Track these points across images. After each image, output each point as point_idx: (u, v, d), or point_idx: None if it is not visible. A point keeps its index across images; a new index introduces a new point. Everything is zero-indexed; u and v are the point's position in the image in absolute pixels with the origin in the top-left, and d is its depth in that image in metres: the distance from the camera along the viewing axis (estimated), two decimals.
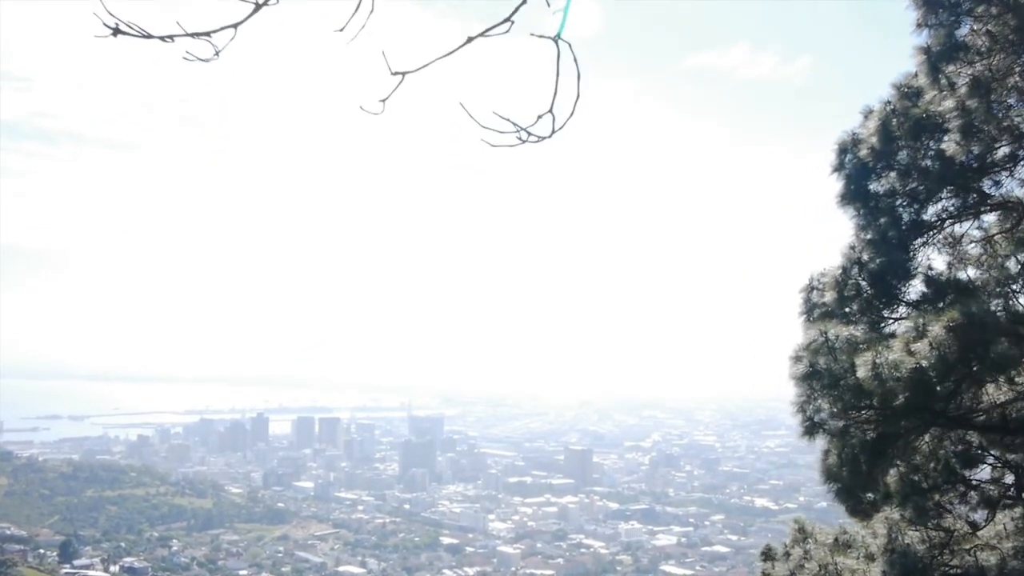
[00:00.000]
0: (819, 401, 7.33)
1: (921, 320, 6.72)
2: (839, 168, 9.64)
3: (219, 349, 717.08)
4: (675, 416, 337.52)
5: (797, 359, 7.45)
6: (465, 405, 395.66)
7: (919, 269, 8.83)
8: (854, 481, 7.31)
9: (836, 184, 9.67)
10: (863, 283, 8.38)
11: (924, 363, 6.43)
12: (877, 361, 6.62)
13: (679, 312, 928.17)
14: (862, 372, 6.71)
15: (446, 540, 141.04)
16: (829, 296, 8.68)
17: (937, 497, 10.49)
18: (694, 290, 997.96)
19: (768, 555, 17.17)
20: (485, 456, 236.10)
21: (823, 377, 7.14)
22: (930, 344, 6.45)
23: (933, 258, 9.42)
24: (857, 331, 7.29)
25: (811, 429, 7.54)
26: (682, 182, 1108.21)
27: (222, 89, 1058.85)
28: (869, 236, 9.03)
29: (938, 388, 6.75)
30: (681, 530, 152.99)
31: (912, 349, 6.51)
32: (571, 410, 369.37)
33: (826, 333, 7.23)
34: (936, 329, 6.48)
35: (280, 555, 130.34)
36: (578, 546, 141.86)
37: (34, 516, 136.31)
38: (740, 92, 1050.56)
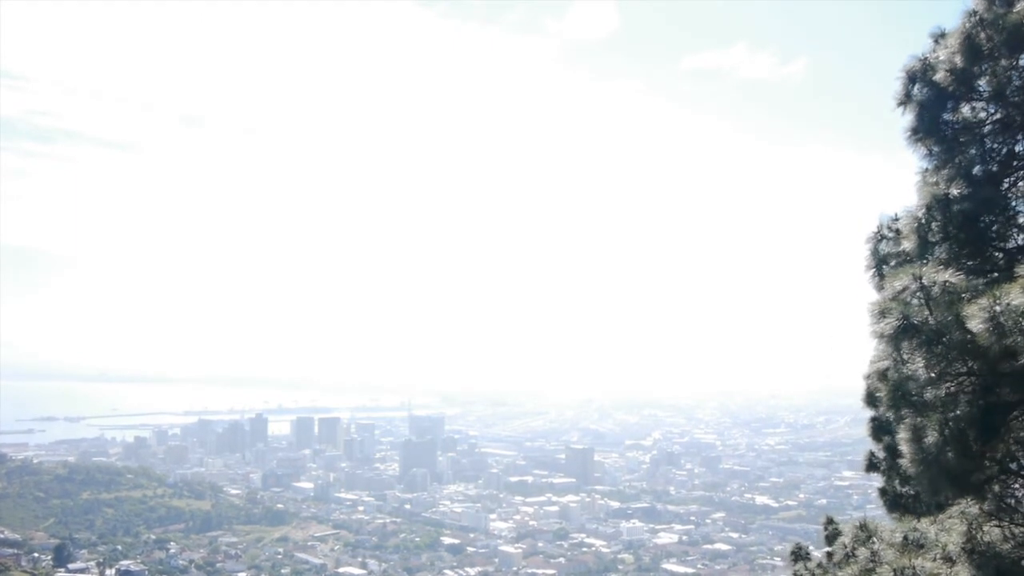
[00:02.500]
0: (913, 364, 5.83)
1: None
2: (906, 100, 8.09)
3: (218, 349, 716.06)
4: (676, 414, 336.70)
5: (883, 313, 5.87)
6: (465, 404, 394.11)
7: (1019, 209, 7.29)
8: (963, 464, 5.78)
9: (904, 119, 8.14)
10: (951, 226, 6.86)
11: None
12: (996, 309, 5.15)
13: (679, 310, 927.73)
14: (976, 324, 5.24)
15: (447, 540, 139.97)
16: (909, 243, 7.12)
17: (997, 488, 9.05)
18: (694, 288, 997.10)
19: (798, 555, 15.51)
20: (486, 455, 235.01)
21: (920, 333, 5.64)
22: None
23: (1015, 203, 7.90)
24: (955, 278, 5.78)
25: (899, 401, 6.02)
26: (683, 180, 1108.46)
27: (222, 89, 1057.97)
28: (947, 175, 7.52)
29: None
30: (682, 528, 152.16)
31: None
32: (572, 409, 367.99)
33: (920, 279, 5.71)
34: None
35: (280, 556, 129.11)
36: (579, 545, 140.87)
37: (28, 519, 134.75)
38: (739, 91, 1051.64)
